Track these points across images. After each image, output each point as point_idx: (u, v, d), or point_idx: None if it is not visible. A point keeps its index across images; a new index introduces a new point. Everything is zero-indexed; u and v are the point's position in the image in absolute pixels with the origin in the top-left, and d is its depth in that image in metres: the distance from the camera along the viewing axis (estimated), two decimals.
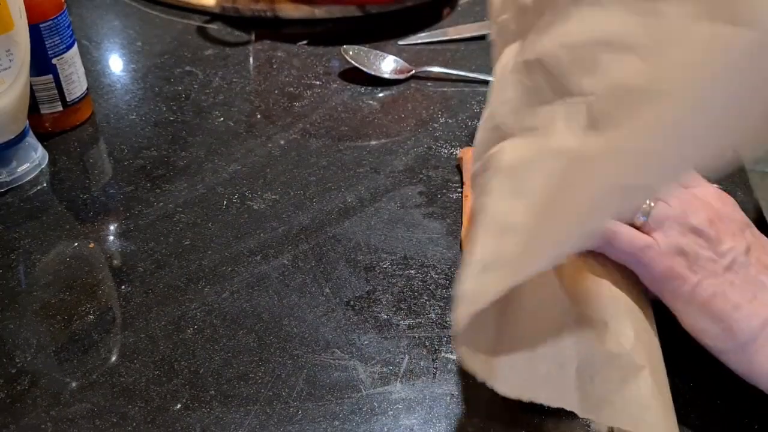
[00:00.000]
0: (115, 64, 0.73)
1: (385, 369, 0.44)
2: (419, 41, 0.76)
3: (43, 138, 0.61)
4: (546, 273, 0.40)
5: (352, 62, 0.70)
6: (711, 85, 0.28)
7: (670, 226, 0.40)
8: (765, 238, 0.41)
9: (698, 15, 0.29)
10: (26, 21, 0.55)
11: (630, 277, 0.42)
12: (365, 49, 0.72)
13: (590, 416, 0.36)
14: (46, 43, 0.58)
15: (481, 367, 0.36)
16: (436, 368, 0.44)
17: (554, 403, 0.37)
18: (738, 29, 0.27)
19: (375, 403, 0.42)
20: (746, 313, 0.37)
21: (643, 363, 0.37)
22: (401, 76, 0.70)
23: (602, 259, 0.42)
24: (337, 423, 0.41)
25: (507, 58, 0.40)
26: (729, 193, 0.55)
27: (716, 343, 0.38)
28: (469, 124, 0.65)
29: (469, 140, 0.62)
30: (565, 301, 0.39)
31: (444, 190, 0.57)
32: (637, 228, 0.41)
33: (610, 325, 0.38)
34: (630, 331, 0.38)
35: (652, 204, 0.41)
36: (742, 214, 0.42)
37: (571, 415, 0.39)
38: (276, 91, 0.69)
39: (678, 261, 0.39)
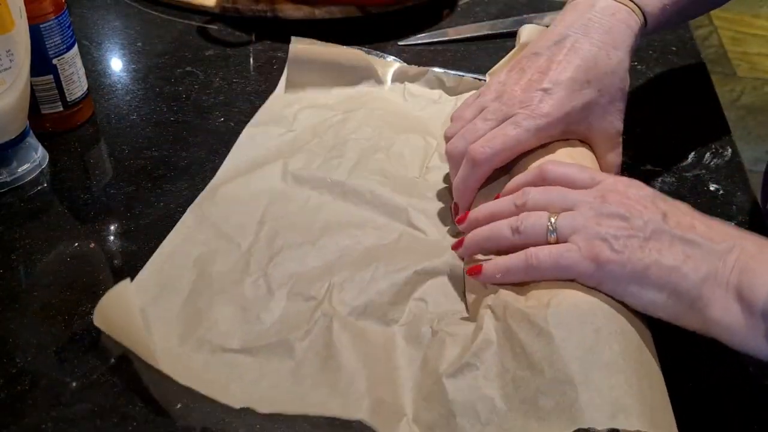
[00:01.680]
0: (116, 64, 0.73)
1: None
2: (419, 42, 0.76)
3: (44, 138, 0.61)
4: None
5: None
6: None
7: (581, 223, 0.41)
8: (679, 202, 0.42)
9: None
10: (27, 21, 0.55)
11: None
12: (365, 49, 0.72)
13: None
14: (46, 43, 0.58)
15: None
16: None
17: None
18: None
19: None
20: (684, 273, 0.38)
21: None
22: None
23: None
24: (337, 423, 0.41)
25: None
26: (729, 193, 0.55)
27: (667, 310, 0.39)
28: None
29: None
30: None
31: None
32: (553, 244, 0.42)
33: None
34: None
35: (553, 219, 0.42)
36: (649, 188, 0.42)
37: None
38: None
39: (600, 248, 0.40)
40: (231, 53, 0.74)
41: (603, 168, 0.51)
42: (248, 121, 0.63)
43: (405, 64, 0.70)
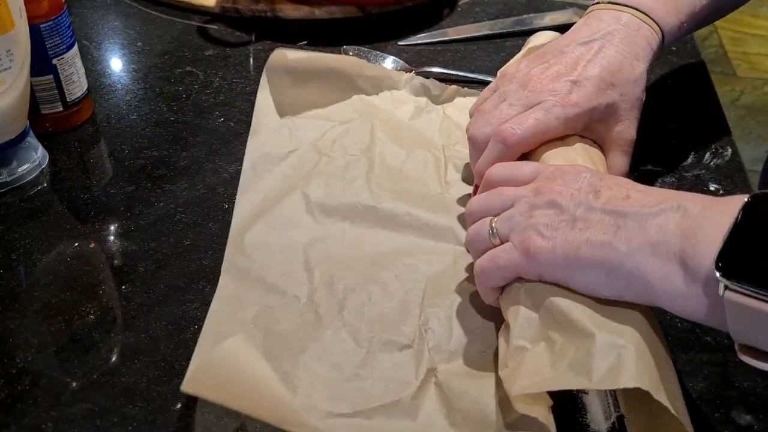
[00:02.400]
0: (116, 64, 0.73)
1: None
2: (419, 41, 0.76)
3: (44, 138, 0.61)
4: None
5: None
6: None
7: (516, 220, 0.41)
8: (620, 178, 0.42)
9: None
10: (26, 21, 0.55)
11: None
12: (365, 49, 0.72)
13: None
14: (46, 43, 0.58)
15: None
16: None
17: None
18: None
19: None
20: (614, 246, 0.37)
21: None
22: None
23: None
24: None
25: None
26: (729, 193, 0.55)
27: (610, 288, 0.38)
28: None
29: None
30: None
31: None
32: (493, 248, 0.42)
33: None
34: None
35: (493, 223, 0.42)
36: (589, 170, 0.42)
37: None
38: None
39: (531, 239, 0.40)
40: (231, 53, 0.74)
41: (611, 173, 0.51)
42: (248, 121, 0.63)
43: (387, 67, 0.70)
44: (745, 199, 0.34)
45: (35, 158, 0.58)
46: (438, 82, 0.65)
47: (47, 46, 0.58)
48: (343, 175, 0.56)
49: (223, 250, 0.51)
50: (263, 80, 0.63)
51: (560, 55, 0.51)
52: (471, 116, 0.54)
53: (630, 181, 0.41)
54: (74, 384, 0.43)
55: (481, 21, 0.80)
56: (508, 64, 0.61)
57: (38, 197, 0.56)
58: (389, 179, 0.56)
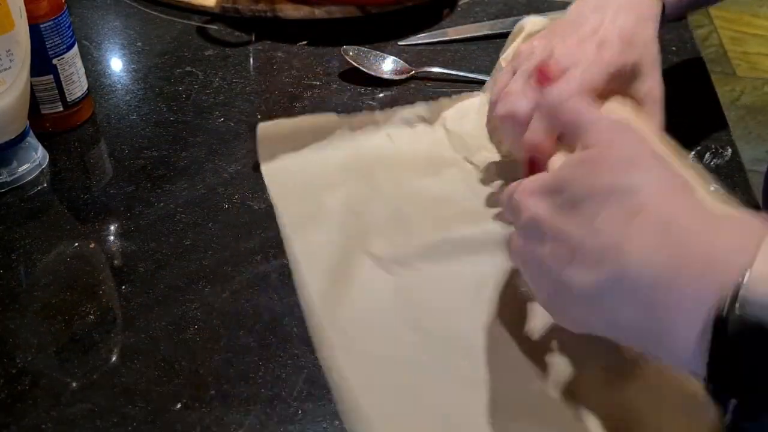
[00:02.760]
0: (116, 64, 0.73)
1: None
2: (419, 42, 0.76)
3: (44, 138, 0.61)
4: None
5: (352, 63, 0.70)
6: None
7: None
8: None
9: None
10: (27, 21, 0.55)
11: None
12: (365, 49, 0.72)
13: None
14: (46, 43, 0.58)
15: None
16: None
17: None
18: None
19: None
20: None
21: None
22: (401, 77, 0.70)
23: None
24: (337, 423, 0.41)
25: None
26: (729, 193, 0.55)
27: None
28: None
29: None
30: None
31: None
32: None
33: None
34: None
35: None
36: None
37: None
38: (276, 92, 0.69)
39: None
40: (231, 53, 0.74)
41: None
42: (248, 121, 0.63)
43: (387, 67, 0.70)
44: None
45: (35, 158, 0.58)
46: (425, 104, 0.64)
47: (47, 46, 0.58)
48: (396, 225, 0.53)
49: (223, 250, 0.51)
50: (261, 153, 0.59)
51: (575, 25, 0.52)
52: (495, 103, 0.52)
53: None
54: (74, 384, 0.43)
55: (481, 21, 0.80)
56: (507, 52, 0.60)
57: (38, 197, 0.56)
58: (438, 210, 0.54)
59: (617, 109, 0.47)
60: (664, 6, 0.53)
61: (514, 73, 0.51)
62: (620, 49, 0.49)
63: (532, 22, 0.60)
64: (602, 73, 0.48)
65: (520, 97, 0.50)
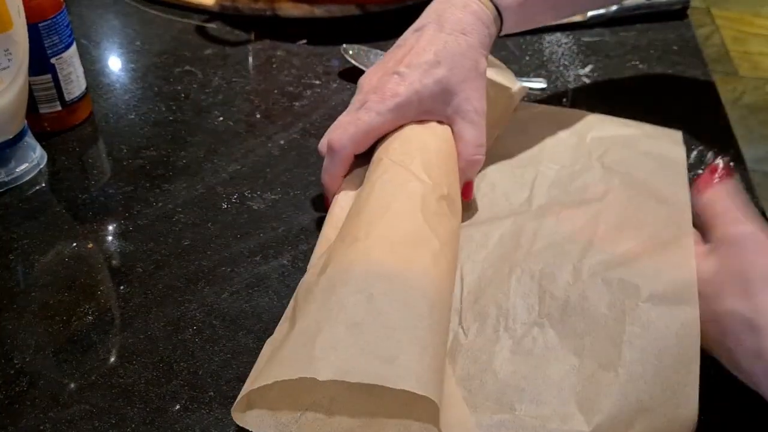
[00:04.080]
0: (114, 63, 0.73)
1: None
2: None
3: (42, 138, 0.60)
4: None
5: (352, 62, 0.70)
6: None
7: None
8: None
9: None
10: (25, 20, 0.54)
11: None
12: (365, 48, 0.72)
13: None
14: (44, 42, 0.58)
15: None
16: None
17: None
18: None
19: None
20: None
21: None
22: None
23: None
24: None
25: None
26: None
27: None
28: None
29: None
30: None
31: None
32: None
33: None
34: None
35: None
36: None
37: None
38: (276, 91, 0.69)
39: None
40: (230, 52, 0.74)
41: (461, 146, 0.52)
42: (247, 120, 0.63)
43: None
44: None
45: (33, 158, 0.58)
46: None
47: (45, 45, 0.58)
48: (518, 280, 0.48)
49: (222, 250, 0.51)
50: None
51: (395, 49, 0.54)
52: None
53: None
54: (72, 385, 0.42)
55: None
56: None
57: (36, 197, 0.56)
58: (546, 226, 0.51)
59: (388, 143, 0.50)
60: (499, 13, 0.54)
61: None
62: (420, 73, 0.51)
63: None
64: (384, 108, 0.50)
65: (324, 135, 0.53)
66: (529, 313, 0.44)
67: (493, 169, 0.57)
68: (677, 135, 0.60)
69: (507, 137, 0.59)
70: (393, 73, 0.51)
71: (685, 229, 0.48)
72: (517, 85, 0.60)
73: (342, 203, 0.49)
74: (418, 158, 0.47)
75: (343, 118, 0.52)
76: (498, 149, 0.58)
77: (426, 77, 0.51)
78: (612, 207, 0.52)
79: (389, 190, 0.45)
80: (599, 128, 0.60)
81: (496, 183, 0.56)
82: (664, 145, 0.58)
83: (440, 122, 0.52)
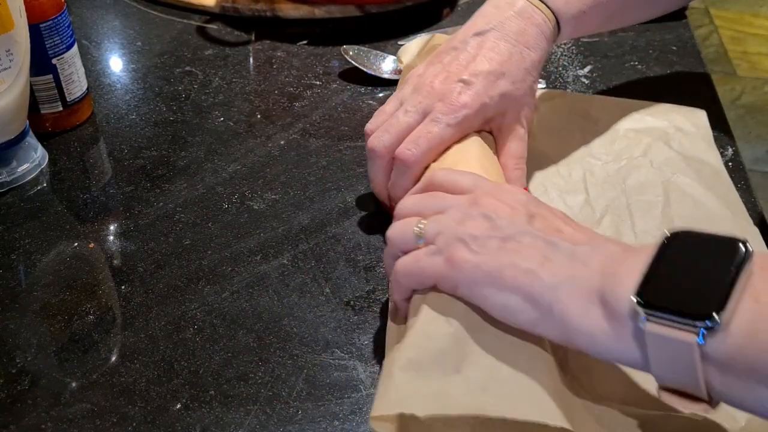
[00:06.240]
0: (115, 64, 0.73)
1: None
2: None
3: (43, 138, 0.61)
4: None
5: (352, 62, 0.70)
6: None
7: (446, 225, 0.40)
8: (555, 208, 0.41)
9: None
10: (26, 21, 0.55)
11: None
12: (365, 49, 0.72)
13: None
14: (46, 42, 0.58)
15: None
16: None
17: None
18: None
19: None
20: (539, 275, 0.36)
21: None
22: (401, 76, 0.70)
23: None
24: (337, 423, 0.41)
25: None
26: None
27: (524, 315, 0.37)
28: None
29: None
30: None
31: None
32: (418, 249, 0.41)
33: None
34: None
35: (422, 225, 0.41)
36: (526, 194, 0.42)
37: None
38: (276, 91, 0.69)
39: (457, 248, 0.38)
40: (230, 53, 0.74)
41: (505, 157, 0.52)
42: (248, 121, 0.63)
43: (386, 67, 0.70)
44: (665, 238, 0.34)
45: (35, 158, 0.58)
46: None
47: (47, 46, 0.58)
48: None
49: (222, 250, 0.51)
50: None
51: (454, 53, 0.52)
52: (371, 131, 0.53)
53: (563, 214, 0.40)
54: (73, 384, 0.43)
55: None
56: (410, 57, 0.60)
57: (38, 197, 0.56)
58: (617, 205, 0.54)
59: (442, 161, 0.49)
60: (558, 23, 0.54)
61: (400, 104, 0.52)
62: (486, 84, 0.50)
63: (437, 37, 0.59)
64: (454, 121, 0.49)
65: (382, 131, 0.51)
66: None
67: (536, 170, 0.57)
68: (702, 117, 0.61)
69: (537, 134, 0.59)
70: (458, 81, 0.50)
71: (750, 230, 0.51)
72: None
73: None
74: (477, 169, 0.47)
75: (402, 117, 0.50)
76: (532, 148, 0.57)
77: (492, 89, 0.50)
78: (681, 210, 0.53)
79: None
80: (629, 119, 0.61)
81: (546, 185, 0.56)
82: (700, 144, 0.60)
83: (490, 132, 0.52)
